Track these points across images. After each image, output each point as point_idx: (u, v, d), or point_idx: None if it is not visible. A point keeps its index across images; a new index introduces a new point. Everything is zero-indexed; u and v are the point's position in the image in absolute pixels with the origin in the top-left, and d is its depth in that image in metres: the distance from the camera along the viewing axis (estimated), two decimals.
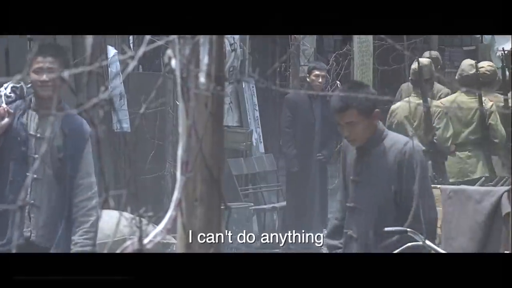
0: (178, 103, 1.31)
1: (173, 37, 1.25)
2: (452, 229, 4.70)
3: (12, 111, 2.76)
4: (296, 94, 7.16)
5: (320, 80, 7.01)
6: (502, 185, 5.23)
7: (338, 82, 8.37)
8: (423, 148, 4.13)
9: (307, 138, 6.98)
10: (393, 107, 5.92)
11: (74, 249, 2.62)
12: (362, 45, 8.28)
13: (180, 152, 1.27)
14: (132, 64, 1.26)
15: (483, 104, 5.78)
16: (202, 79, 1.27)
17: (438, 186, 5.11)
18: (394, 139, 2.92)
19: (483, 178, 5.83)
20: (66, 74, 1.72)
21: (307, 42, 8.80)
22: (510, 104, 5.94)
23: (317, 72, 7.05)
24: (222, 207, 1.32)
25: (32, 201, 2.65)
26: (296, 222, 6.78)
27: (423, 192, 2.78)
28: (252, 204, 7.53)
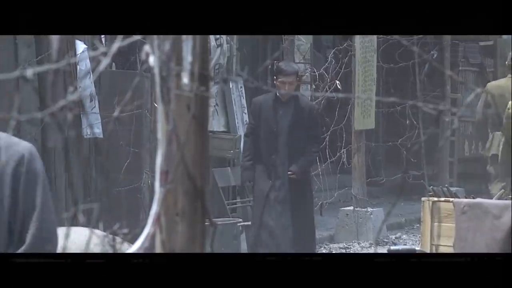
0: (156, 105, 1.31)
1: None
2: (466, 247, 4.71)
3: None
4: (266, 97, 6.60)
5: (286, 88, 6.33)
6: None
7: (337, 82, 8.40)
8: None
9: (269, 150, 6.45)
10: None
11: None
12: (365, 40, 8.31)
13: (159, 160, 1.27)
14: (105, 62, 1.26)
15: None
16: (184, 78, 1.28)
17: (451, 199, 5.13)
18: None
19: (502, 190, 5.87)
20: (29, 72, 1.72)
21: (303, 37, 8.83)
22: None
23: (281, 79, 6.37)
24: (206, 223, 1.32)
25: None
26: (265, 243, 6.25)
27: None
28: (241, 219, 7.53)
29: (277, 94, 6.44)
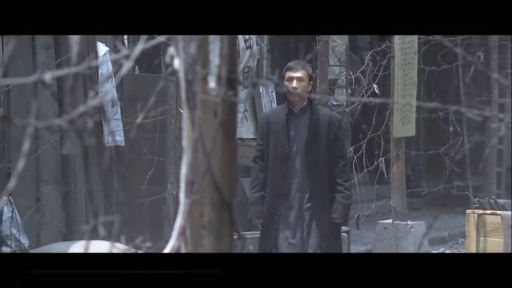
0: (182, 111, 1.32)
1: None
2: None
3: None
4: (276, 111, 5.81)
5: (294, 85, 5.36)
6: None
7: (375, 86, 8.37)
8: None
9: (282, 177, 5.36)
10: None
11: None
12: (405, 41, 8.27)
13: (184, 170, 1.27)
14: (127, 65, 1.27)
15: None
16: (211, 82, 1.28)
17: (499, 212, 5.07)
18: None
19: None
20: (48, 76, 1.74)
21: (338, 38, 8.81)
22: None
23: (290, 74, 5.40)
24: (234, 236, 1.32)
25: None
26: None
27: None
28: None
29: (289, 105, 5.43)
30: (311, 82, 5.47)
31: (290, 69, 5.44)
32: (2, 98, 6.34)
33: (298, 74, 5.40)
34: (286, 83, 5.43)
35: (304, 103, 5.43)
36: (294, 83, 5.38)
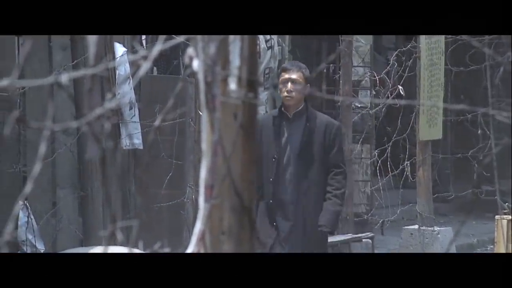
0: (201, 113, 1.32)
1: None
2: None
3: None
4: (268, 115, 5.56)
5: (288, 87, 5.16)
6: None
7: (400, 87, 8.34)
8: None
9: (273, 187, 5.17)
10: None
11: None
12: (431, 41, 8.24)
13: (203, 174, 1.27)
14: (145, 66, 1.27)
15: None
16: (231, 84, 1.28)
17: None
18: None
19: None
20: (64, 78, 1.75)
21: (362, 38, 8.80)
22: None
23: (284, 76, 5.20)
24: (254, 242, 1.32)
25: None
26: None
27: None
28: None
29: (282, 109, 5.22)
30: (308, 85, 5.23)
31: (285, 70, 5.25)
32: (18, 100, 6.38)
33: (294, 76, 5.19)
34: (281, 85, 5.23)
35: (300, 108, 5.19)
36: (289, 86, 5.17)
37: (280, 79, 5.26)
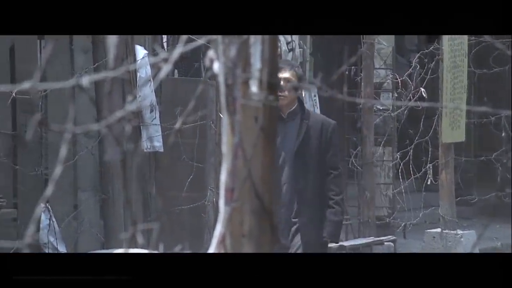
0: (222, 116, 1.33)
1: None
2: None
3: None
4: None
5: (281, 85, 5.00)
6: None
7: (422, 89, 8.30)
8: None
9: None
10: None
11: None
12: (454, 42, 8.20)
13: (223, 177, 1.28)
14: (166, 68, 1.28)
15: None
16: (252, 86, 1.28)
17: None
18: None
19: None
20: (85, 81, 1.76)
21: (384, 40, 8.77)
22: None
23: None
24: (275, 245, 1.32)
25: None
26: None
27: None
28: None
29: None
30: (301, 83, 5.13)
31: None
32: (40, 103, 6.42)
33: (286, 75, 5.00)
34: None
35: (294, 107, 5.04)
36: (281, 83, 4.97)
37: None
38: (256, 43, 1.29)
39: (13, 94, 6.04)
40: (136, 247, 1.74)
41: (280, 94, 4.93)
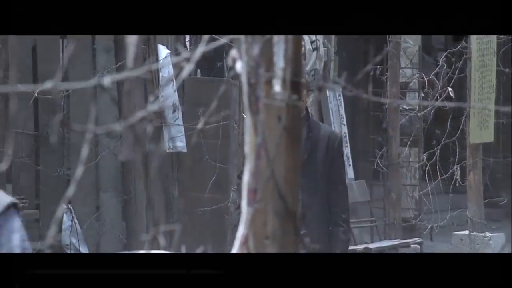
0: (245, 116, 1.33)
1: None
2: None
3: None
4: None
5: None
6: None
7: (449, 89, 8.26)
8: None
9: None
10: None
11: None
12: (482, 41, 8.14)
13: (246, 177, 1.28)
14: (188, 68, 1.28)
15: None
16: (275, 86, 1.28)
17: None
18: None
19: None
20: (107, 80, 1.77)
21: (410, 39, 8.74)
22: None
23: None
24: (299, 247, 1.32)
25: None
26: None
27: None
28: None
29: None
30: (309, 92, 4.88)
31: None
32: (62, 103, 6.46)
33: None
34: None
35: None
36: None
37: None
38: (279, 42, 1.29)
39: (35, 94, 6.08)
40: (159, 248, 1.75)
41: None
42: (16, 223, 1.88)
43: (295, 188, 1.27)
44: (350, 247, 7.53)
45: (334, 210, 4.80)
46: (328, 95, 8.30)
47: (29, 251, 1.91)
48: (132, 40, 1.22)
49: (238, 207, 4.92)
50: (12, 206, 1.90)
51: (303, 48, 7.49)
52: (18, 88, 1.84)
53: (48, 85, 1.13)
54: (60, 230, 6.11)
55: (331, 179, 4.83)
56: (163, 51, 6.60)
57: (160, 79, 6.56)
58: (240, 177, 5.09)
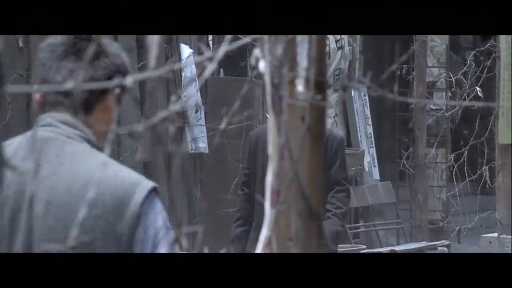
0: (268, 116, 1.33)
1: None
2: None
3: None
4: (265, 127, 4.85)
5: None
6: None
7: (478, 88, 8.22)
8: None
9: None
10: None
11: None
12: None
13: (269, 178, 1.28)
14: (210, 67, 1.29)
15: None
16: (298, 86, 1.29)
17: None
18: None
19: None
20: (129, 80, 1.78)
21: (437, 38, 8.71)
22: None
23: None
24: (323, 249, 1.32)
25: None
26: None
27: None
28: (364, 246, 7.47)
29: None
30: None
31: None
32: None
33: None
34: None
35: None
36: None
37: None
38: (303, 41, 1.29)
39: None
40: (181, 250, 1.76)
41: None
42: (160, 206, 1.94)
43: (319, 189, 1.27)
44: (376, 249, 7.53)
45: (327, 207, 4.77)
46: (353, 95, 8.29)
47: (173, 234, 1.96)
48: (154, 40, 1.23)
49: (238, 219, 4.94)
50: (153, 191, 1.96)
51: (327, 47, 7.48)
52: (40, 89, 1.87)
53: (69, 84, 1.15)
54: None
55: (331, 179, 4.79)
56: (185, 51, 6.63)
57: (182, 79, 6.59)
58: (240, 188, 5.01)
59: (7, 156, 1.23)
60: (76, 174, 1.92)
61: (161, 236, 1.91)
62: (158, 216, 1.94)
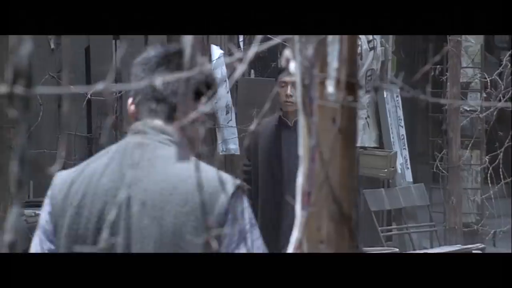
0: (298, 117, 1.33)
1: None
2: None
3: None
4: (266, 123, 4.87)
5: (288, 91, 4.69)
6: None
7: None
8: None
9: (273, 204, 4.70)
10: None
11: None
12: None
13: (300, 180, 1.28)
14: (241, 68, 1.29)
15: None
16: (329, 87, 1.29)
17: None
18: None
19: None
20: (158, 81, 1.79)
21: (472, 37, 8.64)
22: None
23: (283, 79, 4.73)
24: (355, 251, 1.32)
25: None
26: None
27: None
28: (397, 249, 7.43)
29: (281, 116, 4.77)
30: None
31: (286, 72, 4.62)
32: (115, 105, 6.54)
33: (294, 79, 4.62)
34: (280, 89, 4.71)
35: None
36: (289, 90, 4.64)
37: (278, 82, 4.75)
38: (334, 41, 1.29)
39: (88, 96, 6.17)
40: (211, 252, 1.77)
41: (287, 100, 4.70)
42: (246, 203, 2.02)
43: (350, 191, 1.27)
44: (408, 251, 7.47)
45: None
46: (385, 96, 8.25)
47: (258, 230, 2.04)
48: (186, 40, 1.23)
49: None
50: (240, 188, 2.04)
51: (359, 48, 7.45)
52: (71, 90, 1.90)
53: (100, 86, 1.15)
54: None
55: None
56: (216, 52, 6.64)
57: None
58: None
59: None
60: (167, 176, 2.03)
61: (247, 231, 2.00)
62: (245, 212, 2.02)
